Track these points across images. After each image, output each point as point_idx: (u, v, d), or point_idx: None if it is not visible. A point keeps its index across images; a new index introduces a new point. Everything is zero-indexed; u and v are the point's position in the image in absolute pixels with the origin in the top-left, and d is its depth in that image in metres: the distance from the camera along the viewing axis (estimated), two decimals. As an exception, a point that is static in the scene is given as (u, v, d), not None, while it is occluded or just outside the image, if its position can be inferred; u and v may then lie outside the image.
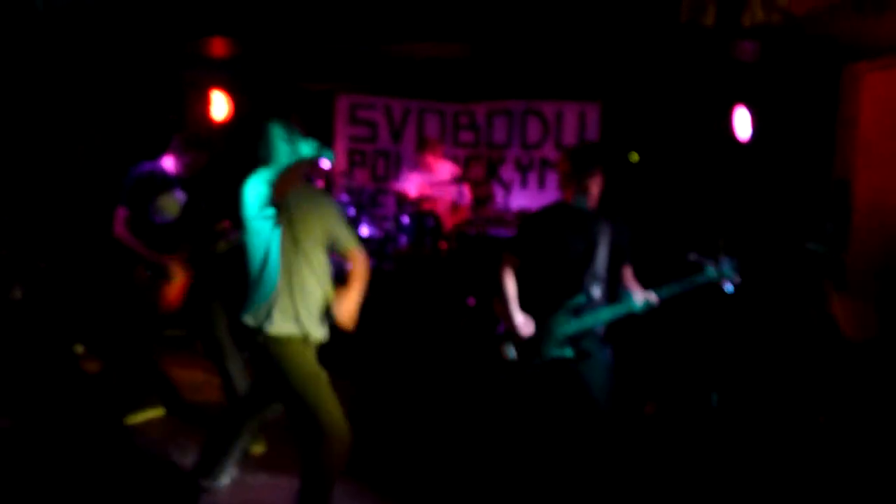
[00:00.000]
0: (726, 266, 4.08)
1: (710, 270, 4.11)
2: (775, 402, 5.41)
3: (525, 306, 4.38)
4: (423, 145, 7.07)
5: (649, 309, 4.22)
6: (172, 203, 5.01)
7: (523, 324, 4.29)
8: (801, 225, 5.71)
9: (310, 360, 3.69)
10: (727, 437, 4.69)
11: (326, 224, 3.74)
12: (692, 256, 4.18)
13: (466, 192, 6.97)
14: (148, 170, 5.00)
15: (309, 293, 3.67)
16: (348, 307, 3.72)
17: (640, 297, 4.19)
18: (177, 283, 4.98)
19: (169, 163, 5.05)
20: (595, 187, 4.22)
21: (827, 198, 5.51)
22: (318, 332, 3.72)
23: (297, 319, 3.63)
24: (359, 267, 3.80)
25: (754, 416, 5.25)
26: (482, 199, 7.42)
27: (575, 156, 4.29)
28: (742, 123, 5.51)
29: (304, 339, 3.66)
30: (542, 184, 7.61)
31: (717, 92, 6.37)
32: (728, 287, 4.08)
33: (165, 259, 4.91)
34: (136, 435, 4.94)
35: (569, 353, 4.28)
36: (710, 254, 4.14)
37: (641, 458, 4.78)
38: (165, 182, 4.99)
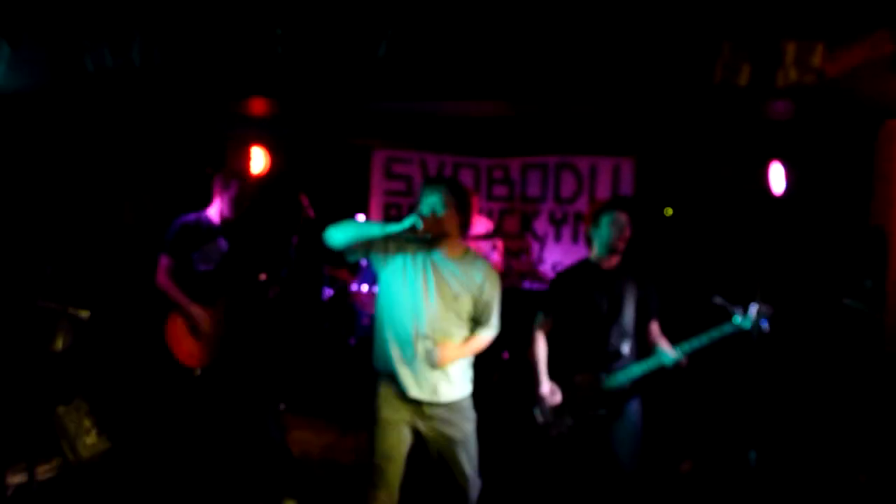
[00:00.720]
0: (754, 312, 4.06)
1: (737, 318, 4.09)
2: (814, 460, 5.32)
3: (556, 365, 4.41)
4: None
5: (678, 363, 4.21)
6: (215, 252, 5.09)
7: (549, 393, 4.34)
8: (839, 281, 5.66)
9: None
10: (765, 498, 4.60)
11: None
12: (717, 300, 4.17)
13: (500, 247, 7.00)
14: (192, 219, 5.10)
15: None
16: None
17: (670, 351, 4.20)
18: (215, 336, 5.05)
19: (213, 211, 5.14)
20: (623, 231, 4.27)
21: (864, 254, 5.46)
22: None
23: None
24: None
25: (793, 475, 5.16)
26: (516, 253, 7.45)
27: (600, 204, 4.36)
28: (777, 179, 5.51)
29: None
30: (575, 238, 7.61)
31: (751, 148, 6.39)
32: (754, 332, 4.04)
33: (203, 311, 4.98)
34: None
35: (602, 411, 4.28)
36: (737, 300, 4.13)
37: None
38: (209, 231, 5.09)
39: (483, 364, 6.39)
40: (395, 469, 3.82)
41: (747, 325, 4.05)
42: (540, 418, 4.44)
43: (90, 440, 5.44)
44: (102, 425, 5.57)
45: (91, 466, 5.29)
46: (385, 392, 3.86)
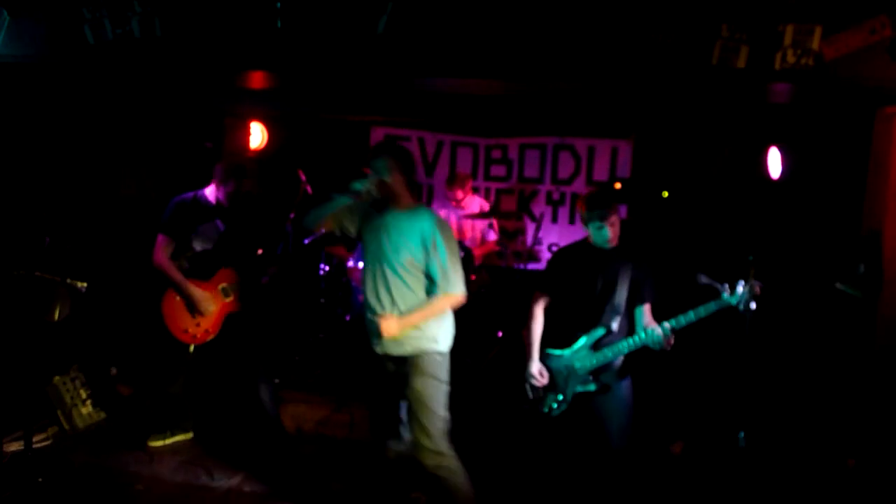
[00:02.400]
0: (742, 289, 4.08)
1: (725, 294, 4.11)
2: (804, 443, 5.37)
3: (547, 339, 4.46)
4: (452, 180, 7.15)
5: (666, 340, 4.23)
6: (212, 231, 5.12)
7: (537, 374, 4.40)
8: (831, 265, 5.70)
9: None
10: (753, 479, 4.65)
11: None
12: (702, 279, 4.19)
13: (496, 226, 7.02)
14: (189, 197, 5.12)
15: None
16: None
17: (655, 331, 4.23)
18: (211, 314, 5.07)
19: (210, 191, 5.17)
20: (612, 228, 4.29)
21: (857, 238, 5.49)
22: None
23: None
24: None
25: (782, 456, 5.22)
26: (512, 233, 7.48)
27: (590, 199, 4.37)
28: (773, 163, 5.53)
29: None
30: (572, 219, 7.63)
31: (748, 131, 6.41)
32: (742, 308, 4.07)
33: (198, 289, 5.00)
34: (162, 457, 5.03)
35: (592, 386, 4.34)
36: (724, 279, 4.15)
37: (666, 499, 4.77)
38: (206, 211, 5.11)
39: (479, 342, 6.48)
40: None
41: (734, 301, 4.07)
42: (531, 395, 4.49)
43: (86, 410, 5.48)
44: (98, 396, 5.62)
45: (87, 436, 5.34)
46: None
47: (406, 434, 4.15)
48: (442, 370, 4.08)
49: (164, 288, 5.03)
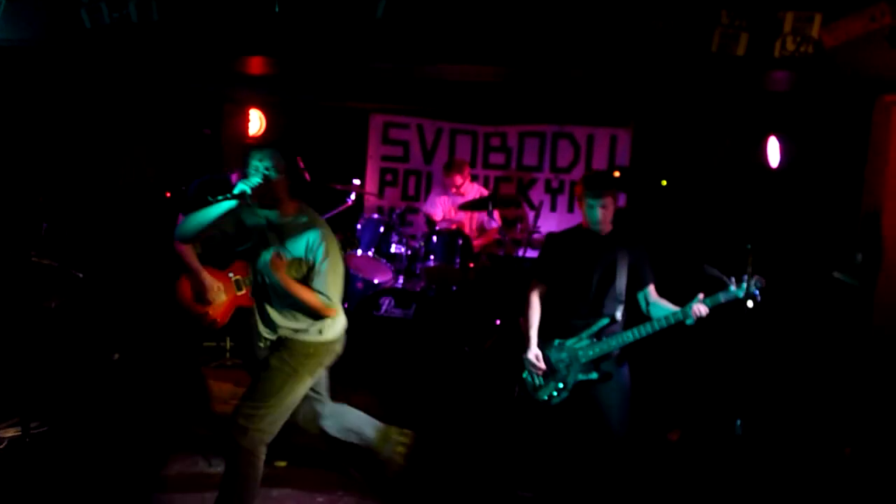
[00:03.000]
0: (748, 283, 4.08)
1: (732, 287, 4.11)
2: (800, 430, 5.38)
3: (548, 328, 4.45)
4: (450, 167, 7.14)
5: (684, 320, 4.21)
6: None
7: (535, 359, 4.38)
8: (830, 254, 5.70)
9: None
10: (750, 467, 4.66)
11: None
12: (710, 271, 4.18)
13: (495, 214, 7.02)
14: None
15: None
16: None
17: (683, 309, 4.18)
18: (220, 304, 5.04)
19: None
20: (604, 210, 4.28)
21: (856, 228, 5.49)
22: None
23: None
24: None
25: (779, 444, 5.23)
26: (511, 221, 7.47)
27: (587, 177, 4.37)
28: (773, 151, 5.52)
29: None
30: (571, 207, 7.64)
31: (748, 119, 6.39)
32: (749, 303, 4.07)
33: (209, 277, 4.96)
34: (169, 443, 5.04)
35: (594, 375, 4.33)
36: (729, 270, 4.15)
37: (663, 487, 4.78)
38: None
39: (477, 330, 6.50)
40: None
41: (740, 294, 4.07)
42: (529, 381, 4.49)
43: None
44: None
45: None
46: None
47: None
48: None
49: (178, 271, 4.98)
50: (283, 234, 3.89)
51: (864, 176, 5.49)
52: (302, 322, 3.96)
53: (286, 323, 3.96)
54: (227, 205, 3.74)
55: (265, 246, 3.89)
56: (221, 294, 5.01)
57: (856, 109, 5.42)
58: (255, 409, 3.86)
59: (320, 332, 3.97)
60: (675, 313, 4.19)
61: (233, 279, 5.06)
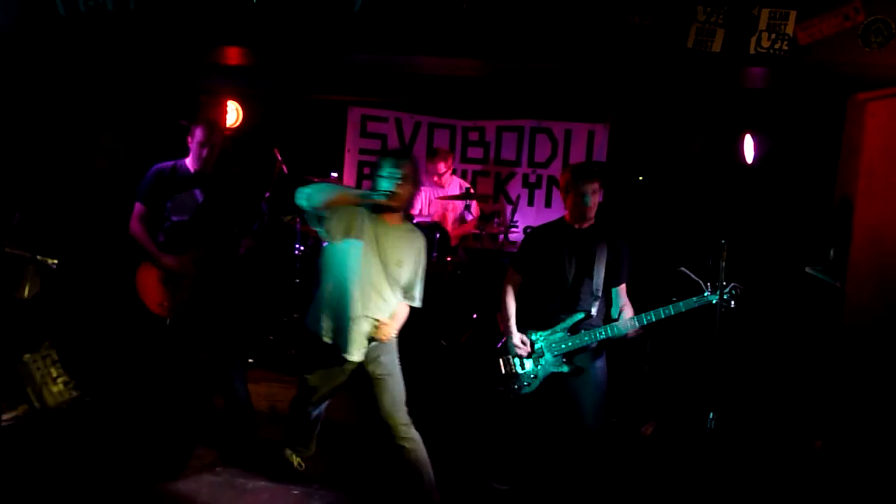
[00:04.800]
0: (724, 289, 4.12)
1: (707, 293, 4.15)
2: (772, 424, 5.44)
3: (524, 321, 4.47)
4: (433, 154, 7.13)
5: (636, 333, 4.30)
6: (190, 201, 5.04)
7: (520, 342, 4.41)
8: (803, 250, 5.76)
9: None
10: (722, 460, 4.71)
11: None
12: (684, 273, 4.22)
13: (473, 208, 7.02)
14: (168, 166, 5.04)
15: None
16: None
17: (627, 322, 4.27)
18: (186, 286, 5.02)
19: (189, 162, 5.08)
20: (593, 196, 4.31)
21: (829, 224, 5.55)
22: None
23: None
24: None
25: (751, 437, 5.28)
26: (489, 216, 7.49)
27: (575, 167, 4.41)
28: (748, 148, 5.56)
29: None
30: (548, 202, 7.67)
31: (724, 115, 6.44)
32: (723, 308, 4.11)
33: (172, 260, 4.94)
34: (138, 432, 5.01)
35: (565, 368, 4.35)
36: (703, 268, 4.18)
37: (637, 480, 4.81)
38: (185, 180, 5.04)
39: (454, 324, 6.50)
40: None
41: (714, 299, 4.11)
42: (504, 370, 4.50)
43: (56, 388, 5.44)
44: (72, 374, 5.57)
45: (57, 414, 5.30)
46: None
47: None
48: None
49: (139, 260, 4.97)
50: (396, 240, 4.19)
51: (837, 173, 5.54)
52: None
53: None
54: (368, 195, 4.08)
55: (372, 253, 4.11)
56: (187, 274, 4.99)
57: (830, 107, 5.48)
58: (401, 419, 4.24)
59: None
60: (612, 326, 4.30)
61: (193, 260, 5.04)
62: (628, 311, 4.39)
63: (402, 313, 4.29)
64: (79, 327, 6.11)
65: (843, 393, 5.20)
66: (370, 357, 4.21)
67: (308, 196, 4.02)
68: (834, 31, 4.32)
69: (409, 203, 4.22)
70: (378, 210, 4.13)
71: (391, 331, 4.18)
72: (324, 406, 4.52)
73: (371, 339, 4.15)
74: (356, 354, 4.13)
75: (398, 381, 4.26)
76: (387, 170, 4.04)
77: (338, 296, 4.14)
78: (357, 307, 4.10)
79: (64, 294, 5.81)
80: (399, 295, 4.25)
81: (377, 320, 4.14)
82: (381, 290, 4.15)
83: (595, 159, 7.47)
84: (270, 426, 5.14)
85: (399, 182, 4.01)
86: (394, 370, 4.27)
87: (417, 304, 4.32)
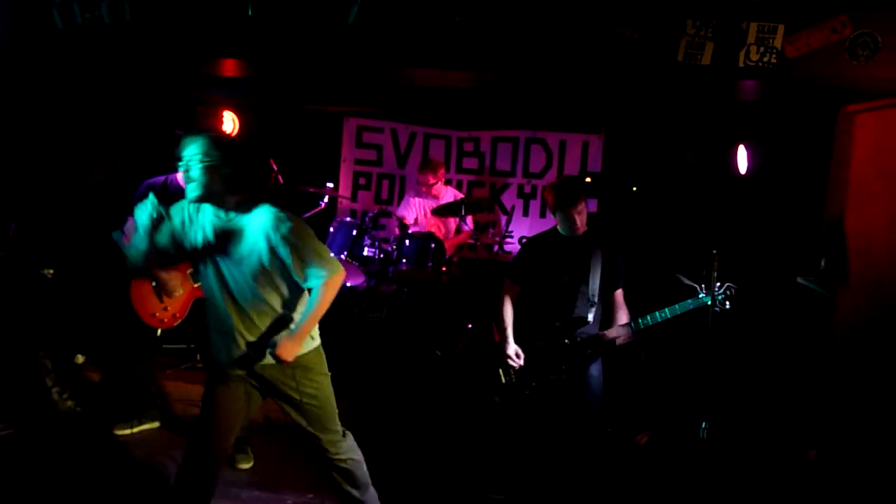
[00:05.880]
0: (719, 290, 4.17)
1: (701, 294, 4.19)
2: (766, 434, 5.46)
3: (520, 329, 4.50)
4: (425, 165, 7.15)
5: (626, 339, 4.34)
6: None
7: (515, 354, 4.43)
8: (794, 260, 5.80)
9: None
10: (715, 470, 4.73)
11: None
12: (680, 279, 4.26)
13: (468, 218, 7.06)
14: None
15: None
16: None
17: (613, 332, 4.32)
18: (179, 298, 5.05)
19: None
20: (580, 216, 4.34)
21: (820, 235, 5.59)
22: None
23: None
24: None
25: (744, 447, 5.30)
26: (484, 226, 7.52)
27: (558, 188, 4.42)
28: (741, 158, 5.61)
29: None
30: (543, 213, 7.71)
31: (716, 126, 6.49)
32: (718, 309, 4.15)
33: (165, 273, 4.96)
34: (129, 446, 5.01)
35: (562, 375, 4.38)
36: (697, 276, 4.22)
37: (631, 490, 4.83)
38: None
39: (449, 334, 6.52)
40: None
41: (708, 300, 4.15)
42: (503, 380, 4.53)
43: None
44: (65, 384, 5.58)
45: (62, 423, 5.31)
46: None
47: None
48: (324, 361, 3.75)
49: (132, 273, 4.98)
50: (234, 230, 3.45)
51: (828, 183, 5.59)
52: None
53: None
54: (144, 214, 3.54)
55: (212, 256, 3.49)
56: (179, 287, 5.01)
57: (820, 118, 5.53)
58: (333, 434, 3.72)
59: (311, 337, 3.66)
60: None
61: (187, 272, 5.06)
62: (624, 315, 4.43)
63: (325, 300, 3.47)
64: (74, 336, 6.12)
65: (836, 402, 5.23)
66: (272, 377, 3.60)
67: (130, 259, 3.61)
68: (821, 45, 4.38)
69: (224, 186, 3.39)
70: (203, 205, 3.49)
71: (292, 347, 3.43)
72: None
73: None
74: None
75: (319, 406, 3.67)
76: (183, 153, 3.40)
77: (214, 313, 3.56)
78: (235, 324, 3.47)
79: (60, 303, 5.83)
80: (286, 290, 3.50)
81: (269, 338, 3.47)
82: (253, 297, 3.45)
83: (590, 169, 7.51)
84: (265, 437, 5.16)
85: (200, 165, 3.35)
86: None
87: (327, 277, 3.41)
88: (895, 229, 4.86)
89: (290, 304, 3.53)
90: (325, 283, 3.43)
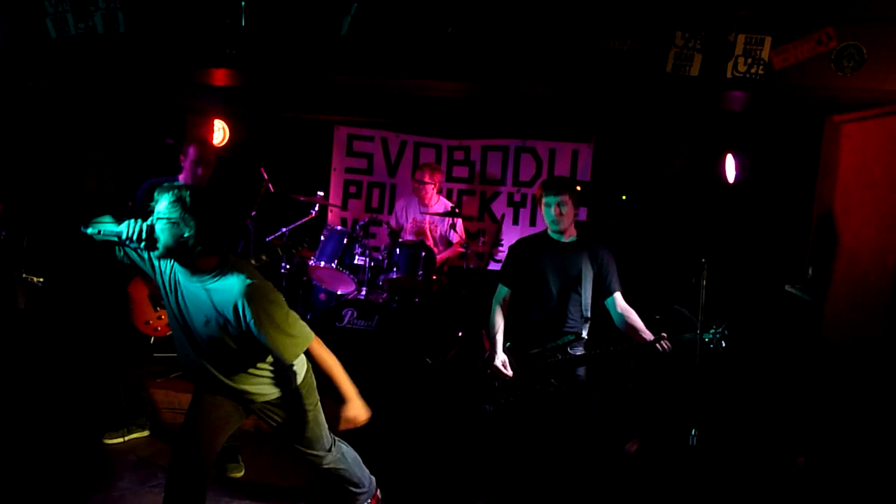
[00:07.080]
0: (716, 328, 4.20)
1: (699, 330, 4.20)
2: (754, 441, 5.49)
3: (511, 334, 4.52)
4: (425, 164, 7.13)
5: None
6: None
7: (502, 367, 4.44)
8: (782, 268, 5.85)
9: None
10: (704, 478, 4.76)
11: None
12: (678, 310, 4.29)
13: (459, 227, 7.08)
14: (161, 181, 5.08)
15: None
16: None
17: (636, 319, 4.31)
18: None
19: (183, 179, 5.10)
20: (564, 209, 4.38)
21: (808, 243, 5.65)
22: None
23: None
24: None
25: (733, 454, 5.33)
26: (474, 235, 7.55)
27: (547, 180, 4.48)
28: (729, 167, 5.67)
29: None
30: (533, 221, 7.74)
31: (706, 136, 6.55)
32: (713, 346, 4.19)
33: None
34: (118, 455, 5.01)
35: (551, 384, 4.40)
36: (687, 293, 4.25)
37: (621, 498, 4.85)
38: None
39: (439, 342, 6.53)
40: None
41: (707, 338, 4.18)
42: (498, 383, 4.55)
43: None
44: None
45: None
46: None
47: None
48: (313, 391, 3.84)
49: (129, 278, 4.99)
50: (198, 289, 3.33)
51: (815, 192, 5.65)
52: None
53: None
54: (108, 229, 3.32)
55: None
56: None
57: (807, 128, 5.59)
58: (319, 450, 3.83)
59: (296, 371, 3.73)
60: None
61: None
62: (633, 317, 4.43)
63: (324, 367, 3.51)
64: (63, 343, 6.12)
65: (824, 409, 5.27)
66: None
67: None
68: (808, 57, 4.44)
69: (187, 252, 3.18)
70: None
71: (359, 414, 3.58)
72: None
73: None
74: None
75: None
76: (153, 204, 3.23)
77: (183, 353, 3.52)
78: (208, 367, 3.47)
79: (50, 311, 5.82)
80: (255, 346, 3.40)
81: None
82: (218, 350, 3.40)
83: (579, 178, 7.55)
84: (255, 446, 5.16)
85: (163, 224, 3.16)
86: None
87: (292, 359, 3.35)
88: (881, 237, 4.91)
89: (258, 355, 3.50)
90: (309, 354, 3.47)
